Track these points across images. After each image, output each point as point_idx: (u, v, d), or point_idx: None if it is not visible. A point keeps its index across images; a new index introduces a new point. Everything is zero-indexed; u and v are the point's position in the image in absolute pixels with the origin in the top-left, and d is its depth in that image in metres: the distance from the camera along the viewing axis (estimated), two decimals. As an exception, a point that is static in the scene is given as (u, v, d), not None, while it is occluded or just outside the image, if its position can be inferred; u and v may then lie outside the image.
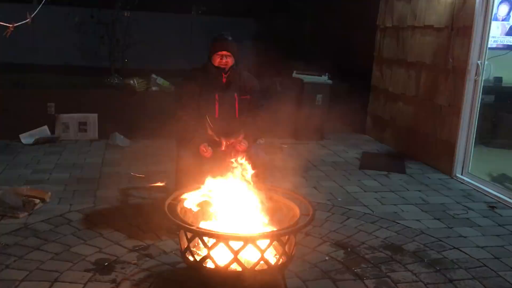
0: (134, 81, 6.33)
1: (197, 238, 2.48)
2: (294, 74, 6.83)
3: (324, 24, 8.77)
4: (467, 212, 4.29)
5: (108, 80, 6.62)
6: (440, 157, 5.49)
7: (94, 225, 3.63)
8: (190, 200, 2.72)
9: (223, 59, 3.54)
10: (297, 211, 2.73)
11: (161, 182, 4.08)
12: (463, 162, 5.23)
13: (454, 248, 3.54)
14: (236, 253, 2.40)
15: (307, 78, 6.69)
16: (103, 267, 3.04)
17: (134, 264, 3.10)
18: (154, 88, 6.44)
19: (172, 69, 7.69)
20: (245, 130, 3.63)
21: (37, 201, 3.93)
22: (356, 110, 7.56)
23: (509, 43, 5.71)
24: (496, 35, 5.53)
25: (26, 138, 5.81)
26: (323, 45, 8.75)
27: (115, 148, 5.84)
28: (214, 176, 2.79)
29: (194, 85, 3.62)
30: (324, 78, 6.68)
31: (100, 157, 5.46)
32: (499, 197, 4.62)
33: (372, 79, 7.14)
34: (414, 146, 6.03)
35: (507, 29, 5.61)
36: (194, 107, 3.60)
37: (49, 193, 4.12)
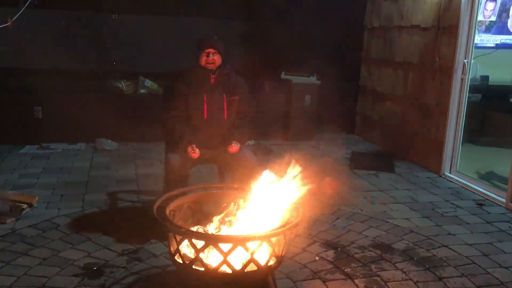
0: (122, 84, 6.30)
1: (186, 241, 2.47)
2: (283, 75, 6.84)
3: (312, 25, 8.79)
4: (456, 210, 4.32)
5: (95, 83, 6.58)
6: (429, 155, 5.53)
7: (82, 229, 3.60)
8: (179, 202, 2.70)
9: (210, 57, 3.53)
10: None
11: None
12: (451, 160, 5.27)
13: (443, 246, 3.56)
14: (225, 255, 2.39)
15: (296, 79, 6.70)
16: (92, 272, 3.02)
17: (124, 268, 3.08)
18: (142, 91, 6.41)
19: (160, 72, 7.67)
20: (234, 131, 3.63)
21: (25, 206, 3.89)
22: (345, 110, 7.59)
23: (495, 42, 5.78)
24: (482, 33, 5.59)
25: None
26: (311, 45, 8.78)
27: (103, 152, 5.80)
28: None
29: (182, 87, 3.60)
30: (312, 79, 6.70)
31: (88, 161, 5.42)
32: (487, 195, 4.66)
33: (360, 79, 7.18)
34: (402, 145, 6.06)
35: (493, 28, 5.68)
36: (182, 108, 3.59)
37: (37, 198, 4.08)
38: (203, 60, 3.55)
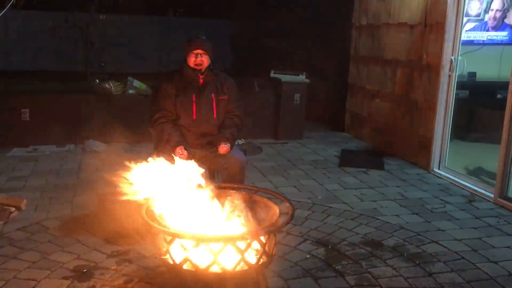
0: (110, 85, 6.25)
1: (176, 241, 2.46)
2: (272, 74, 6.84)
3: (301, 24, 8.81)
4: (445, 206, 4.35)
5: (83, 84, 6.54)
6: (417, 152, 5.57)
7: (71, 232, 3.57)
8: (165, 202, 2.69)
9: (198, 58, 3.51)
10: (276, 210, 2.73)
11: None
12: (440, 156, 5.31)
13: (433, 241, 3.58)
14: (215, 254, 2.38)
15: (285, 77, 6.70)
16: (82, 274, 3.00)
17: (114, 269, 3.06)
18: (130, 91, 6.37)
19: (148, 72, 7.64)
20: (224, 131, 3.62)
21: (13, 209, 3.85)
22: (334, 108, 7.63)
23: (482, 39, 5.83)
24: (469, 30, 5.63)
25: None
26: (300, 44, 8.80)
27: (92, 153, 5.76)
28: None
29: (171, 87, 3.59)
30: (301, 77, 6.71)
31: (76, 163, 5.37)
32: (475, 190, 4.69)
33: (349, 77, 7.20)
34: (392, 142, 6.09)
35: (480, 24, 5.72)
36: (171, 109, 3.57)
37: (25, 201, 4.03)
38: (191, 61, 3.54)
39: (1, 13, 3.42)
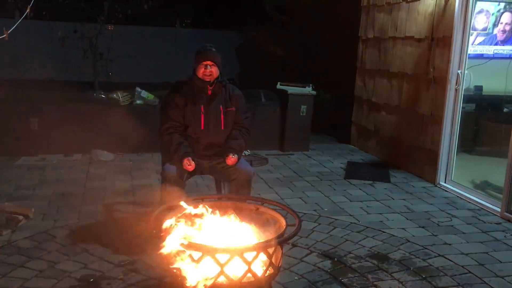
0: (118, 95, 6.30)
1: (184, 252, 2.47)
2: (279, 86, 6.87)
3: (308, 36, 8.87)
4: (451, 220, 4.34)
5: (91, 94, 6.59)
6: (424, 165, 5.56)
7: (79, 241, 3.59)
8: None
9: (208, 69, 3.55)
10: (283, 222, 2.74)
11: None
12: (446, 170, 5.30)
13: (439, 255, 3.57)
14: (222, 266, 2.39)
15: (292, 89, 6.74)
16: (89, 284, 3.01)
17: (120, 279, 3.07)
18: (138, 102, 6.41)
19: (156, 82, 7.69)
20: (231, 143, 3.64)
21: (21, 217, 3.88)
22: (340, 120, 7.65)
23: (489, 53, 5.84)
24: (476, 44, 5.65)
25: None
26: (307, 56, 8.85)
27: (99, 163, 5.80)
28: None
29: (179, 98, 3.62)
30: (308, 89, 6.74)
31: (84, 172, 5.41)
32: (482, 204, 4.68)
33: (355, 90, 7.22)
34: (398, 155, 6.09)
35: (487, 38, 5.74)
36: (179, 120, 3.60)
37: (33, 210, 4.06)
38: (200, 72, 3.57)
39: (13, 27, 3.47)
